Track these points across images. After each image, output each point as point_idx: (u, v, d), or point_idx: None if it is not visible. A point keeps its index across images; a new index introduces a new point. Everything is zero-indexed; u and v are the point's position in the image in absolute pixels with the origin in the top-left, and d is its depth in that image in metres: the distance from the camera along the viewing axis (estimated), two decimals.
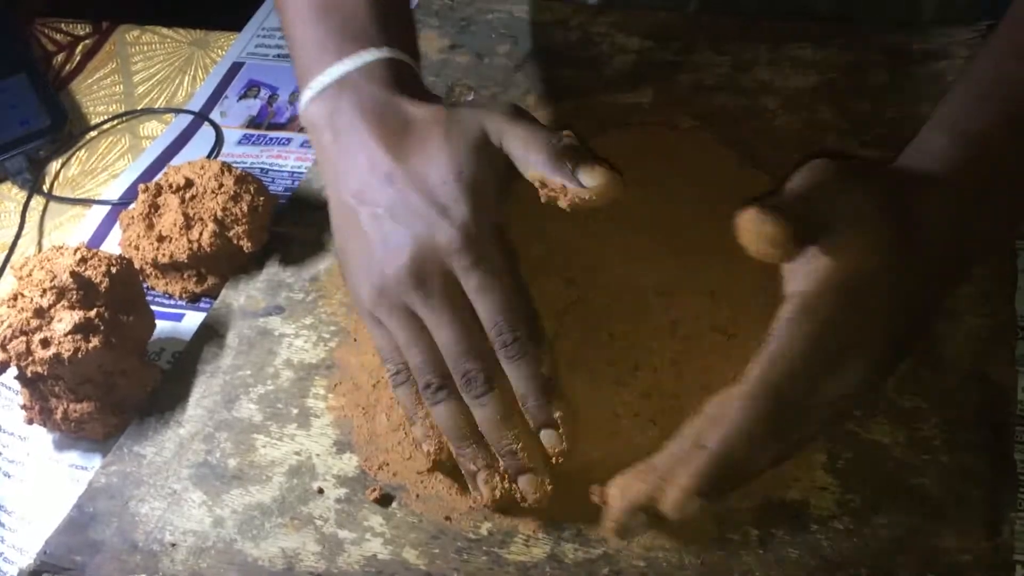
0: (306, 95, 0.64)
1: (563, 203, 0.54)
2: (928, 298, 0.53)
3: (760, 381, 0.48)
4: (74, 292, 0.66)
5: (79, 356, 0.64)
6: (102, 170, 0.91)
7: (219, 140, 0.91)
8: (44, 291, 0.66)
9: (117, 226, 0.82)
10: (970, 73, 0.58)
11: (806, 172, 0.51)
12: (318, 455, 0.65)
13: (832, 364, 0.49)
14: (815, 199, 0.50)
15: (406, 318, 0.58)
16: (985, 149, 0.53)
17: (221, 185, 0.75)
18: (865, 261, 0.49)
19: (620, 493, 0.51)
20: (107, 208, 0.86)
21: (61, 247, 0.70)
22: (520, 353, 0.55)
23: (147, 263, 0.76)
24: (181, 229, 0.74)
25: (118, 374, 0.68)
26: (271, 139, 0.91)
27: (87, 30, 1.05)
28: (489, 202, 0.57)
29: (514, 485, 0.57)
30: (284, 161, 0.88)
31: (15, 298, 0.66)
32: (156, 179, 0.78)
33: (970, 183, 0.53)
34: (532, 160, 0.55)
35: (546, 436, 0.56)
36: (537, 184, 0.55)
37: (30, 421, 0.68)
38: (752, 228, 0.48)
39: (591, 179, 0.54)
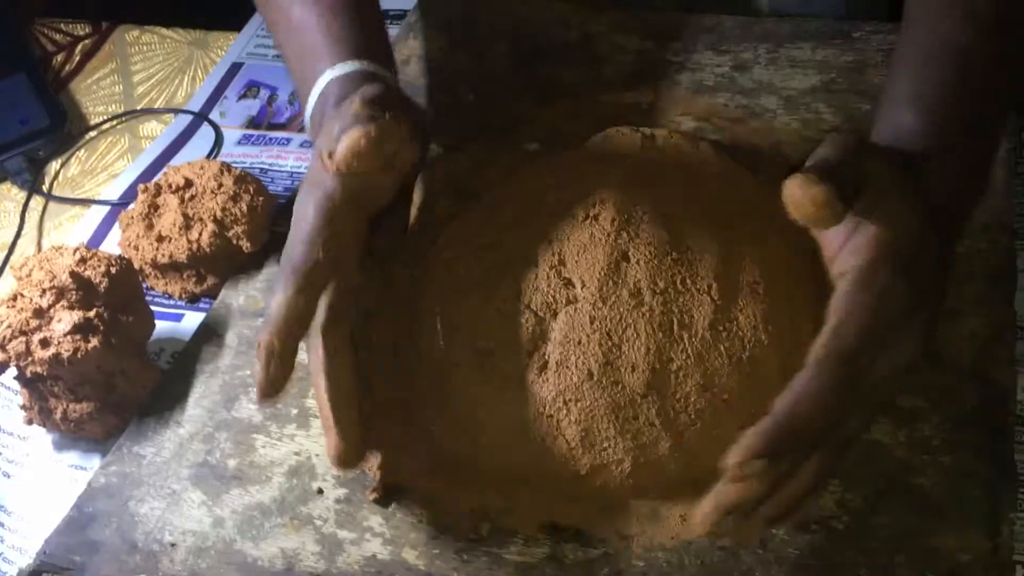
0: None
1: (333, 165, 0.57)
2: (948, 263, 0.54)
3: (827, 352, 0.48)
4: (73, 292, 0.66)
5: (78, 356, 0.64)
6: (102, 170, 0.91)
7: (218, 140, 0.91)
8: (43, 291, 0.66)
9: (116, 226, 0.82)
10: (907, 43, 0.60)
11: (831, 143, 0.52)
12: (318, 455, 0.65)
13: (892, 333, 0.49)
14: (847, 166, 0.50)
15: None
16: (948, 115, 0.55)
17: (220, 185, 0.75)
18: (908, 225, 0.50)
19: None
20: (106, 208, 0.86)
21: (60, 247, 0.70)
22: None
23: (146, 263, 0.76)
24: (180, 229, 0.74)
25: (117, 374, 0.68)
26: (270, 139, 0.91)
27: (87, 30, 1.05)
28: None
29: None
30: (283, 161, 0.88)
31: (14, 298, 0.66)
32: (155, 179, 0.78)
33: (948, 150, 0.54)
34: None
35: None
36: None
37: (30, 421, 0.68)
38: (800, 192, 0.47)
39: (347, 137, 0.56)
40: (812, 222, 0.49)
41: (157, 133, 0.94)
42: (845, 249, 0.51)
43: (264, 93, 0.95)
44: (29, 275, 0.67)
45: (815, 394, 0.48)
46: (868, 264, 0.50)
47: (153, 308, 0.72)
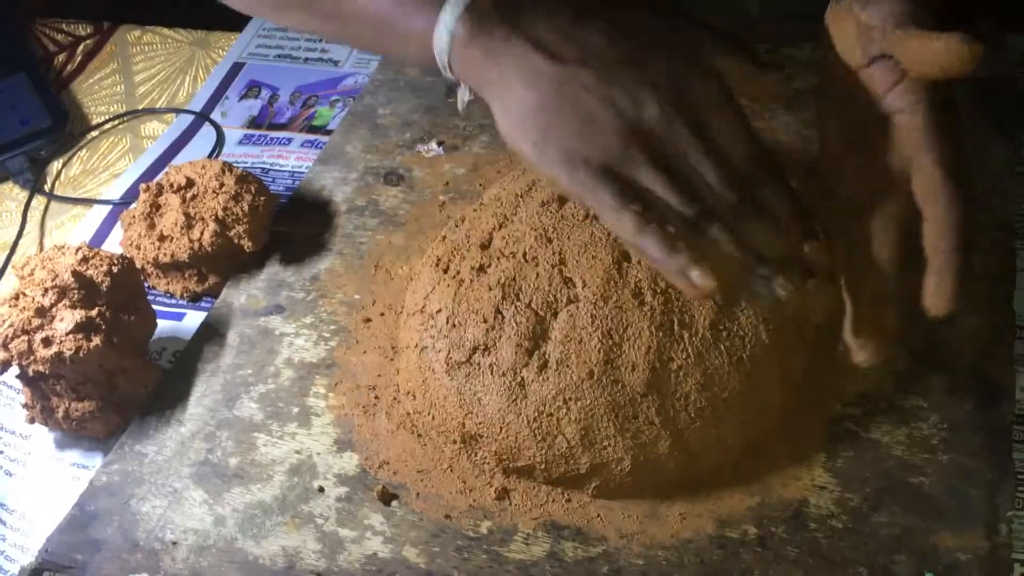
0: (446, 22, 0.57)
1: None
2: None
3: (953, 180, 0.55)
4: (75, 291, 0.66)
5: (80, 355, 0.65)
6: (103, 170, 0.91)
7: (220, 140, 0.91)
8: (46, 290, 0.66)
9: (118, 226, 0.82)
10: None
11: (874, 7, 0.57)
12: (319, 454, 0.65)
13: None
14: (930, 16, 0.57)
15: (654, 161, 0.54)
16: None
17: (222, 185, 0.75)
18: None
19: (871, 343, 0.56)
20: (108, 208, 0.86)
21: (62, 246, 0.70)
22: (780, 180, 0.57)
23: (148, 262, 0.76)
24: (182, 228, 0.74)
25: (119, 373, 0.68)
26: (272, 139, 0.91)
27: (88, 30, 1.05)
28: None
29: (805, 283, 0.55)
30: (285, 161, 0.88)
31: (17, 297, 0.66)
32: (157, 179, 0.78)
33: None
34: None
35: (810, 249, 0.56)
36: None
37: (31, 420, 0.68)
38: (968, 50, 0.53)
39: None
40: (956, 73, 0.54)
41: (159, 133, 0.94)
42: (902, 85, 0.56)
43: (265, 93, 0.96)
44: (31, 274, 0.67)
45: (968, 220, 0.54)
46: (935, 98, 0.56)
47: (155, 307, 0.72)
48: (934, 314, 0.54)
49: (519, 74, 0.55)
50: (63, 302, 0.66)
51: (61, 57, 1.03)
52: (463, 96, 0.60)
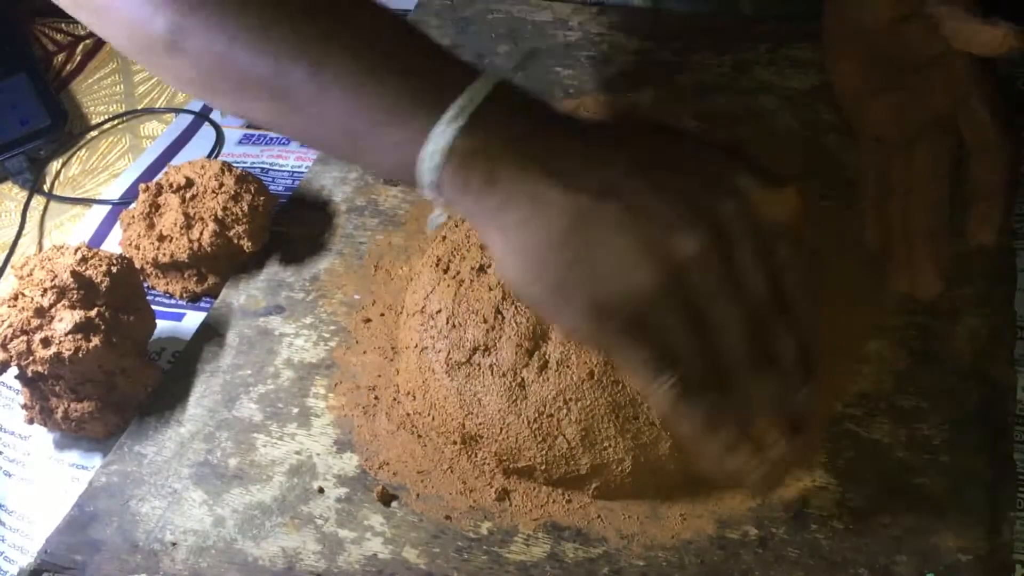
0: (436, 145, 0.48)
1: None
2: None
3: (1001, 118, 0.57)
4: (75, 292, 0.66)
5: (79, 355, 0.64)
6: (103, 170, 0.91)
7: (219, 140, 0.91)
8: (45, 291, 0.66)
9: (118, 226, 0.82)
10: None
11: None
12: (318, 454, 0.65)
13: None
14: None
15: (686, 306, 0.47)
16: None
17: (221, 185, 0.75)
18: None
19: (934, 276, 0.58)
20: (107, 208, 0.86)
21: (62, 247, 0.70)
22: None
23: (148, 262, 0.76)
24: (182, 229, 0.74)
25: (118, 373, 0.68)
26: (271, 139, 0.91)
27: (88, 30, 1.05)
28: None
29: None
30: (284, 161, 0.88)
31: (16, 298, 0.66)
32: (157, 179, 0.78)
33: None
34: None
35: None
36: None
37: (31, 420, 0.68)
38: (1016, 42, 0.55)
39: None
40: (998, 54, 0.56)
41: (158, 133, 0.94)
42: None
43: None
44: (30, 274, 0.67)
45: (1018, 157, 0.57)
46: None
47: (154, 307, 0.72)
48: (978, 242, 0.57)
49: (532, 206, 0.47)
50: (62, 302, 0.66)
51: (60, 57, 1.03)
52: (436, 219, 0.52)
